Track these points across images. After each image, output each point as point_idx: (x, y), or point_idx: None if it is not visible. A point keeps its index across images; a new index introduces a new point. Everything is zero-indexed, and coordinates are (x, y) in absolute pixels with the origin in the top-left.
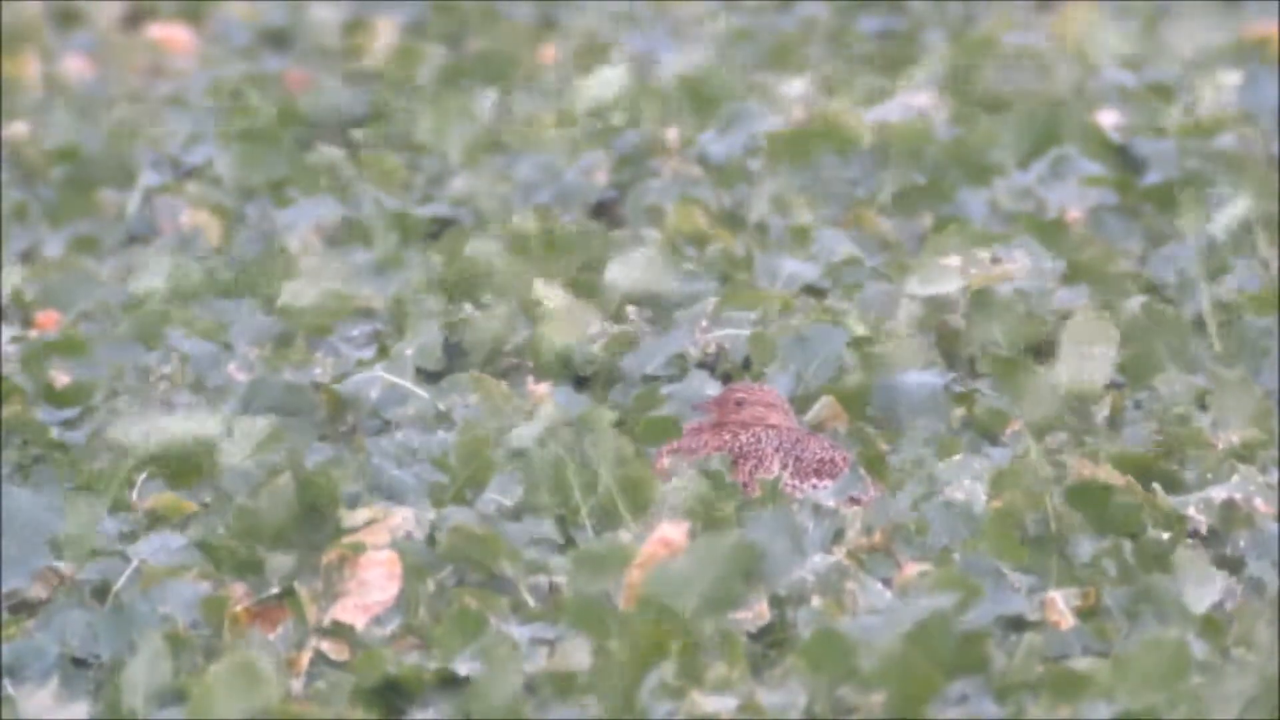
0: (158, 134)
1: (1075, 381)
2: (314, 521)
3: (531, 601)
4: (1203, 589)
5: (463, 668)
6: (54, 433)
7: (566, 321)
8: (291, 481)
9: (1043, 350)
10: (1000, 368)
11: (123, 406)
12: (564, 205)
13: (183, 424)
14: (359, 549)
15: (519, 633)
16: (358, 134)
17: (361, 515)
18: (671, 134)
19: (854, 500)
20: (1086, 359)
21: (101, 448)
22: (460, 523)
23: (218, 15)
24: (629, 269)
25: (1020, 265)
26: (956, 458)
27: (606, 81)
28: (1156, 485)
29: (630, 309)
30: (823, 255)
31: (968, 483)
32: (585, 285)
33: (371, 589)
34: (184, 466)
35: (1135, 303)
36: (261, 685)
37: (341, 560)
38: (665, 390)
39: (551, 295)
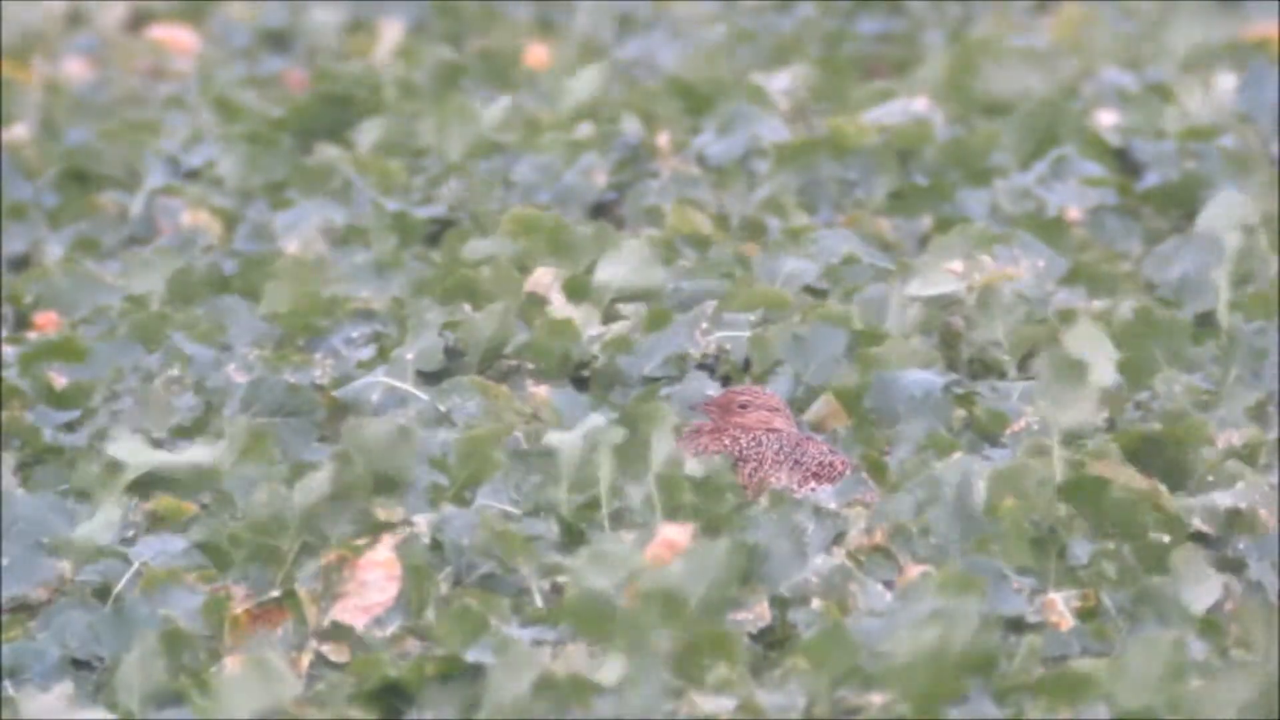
0: (158, 135)
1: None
2: (344, 513)
3: (538, 602)
4: (1200, 589)
5: (464, 668)
6: (54, 435)
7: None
8: (330, 470)
9: (1037, 351)
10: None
11: (123, 418)
12: (563, 206)
13: (181, 455)
14: (358, 550)
15: (521, 634)
16: (357, 135)
17: (390, 513)
18: (671, 136)
19: (858, 502)
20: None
21: (99, 460)
22: (485, 517)
23: (218, 16)
24: (618, 267)
25: (1020, 266)
26: (956, 458)
27: (587, 80)
28: (1161, 486)
29: (623, 307)
30: (822, 256)
31: (968, 484)
32: (578, 286)
33: (371, 590)
34: (182, 488)
35: (1135, 304)
36: (274, 685)
37: (341, 561)
38: (665, 391)
39: (548, 286)
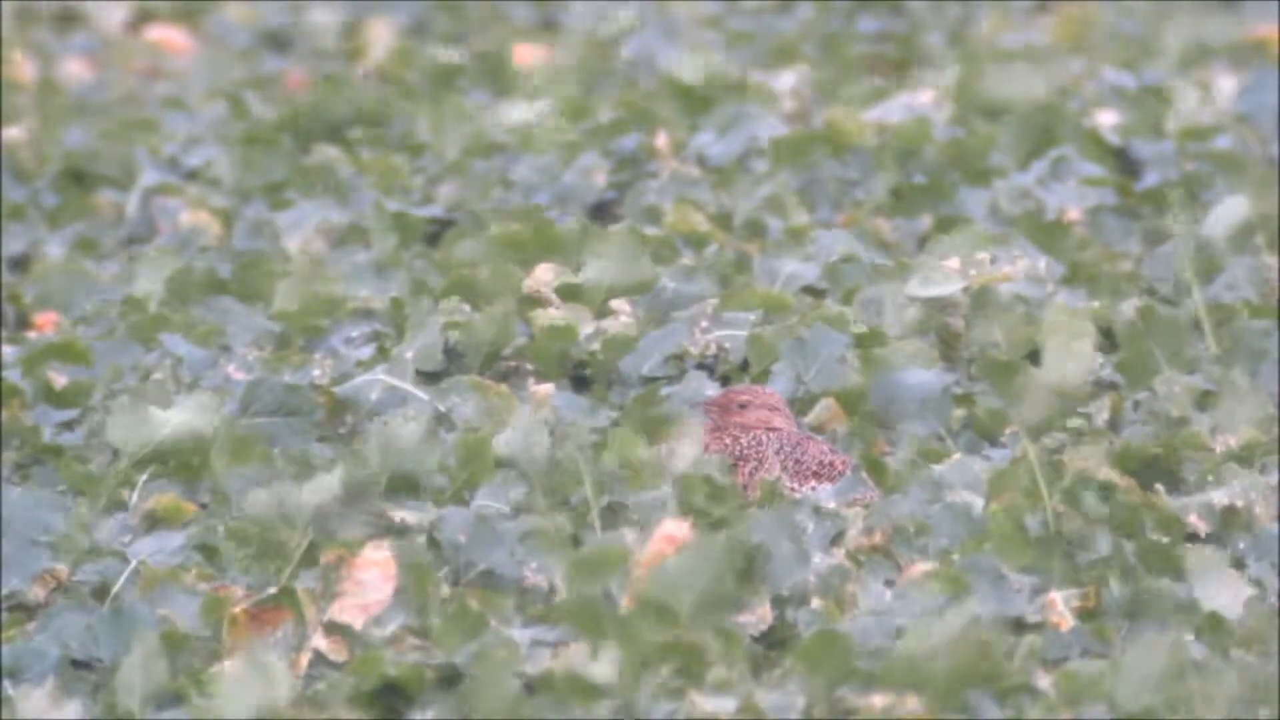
0: (157, 135)
1: (1059, 379)
2: (356, 514)
3: (538, 602)
4: (1218, 590)
5: (462, 668)
6: (53, 434)
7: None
8: (340, 471)
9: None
10: (994, 370)
11: (117, 406)
12: (562, 206)
13: (176, 418)
14: (355, 548)
15: (519, 634)
16: (357, 135)
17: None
18: (670, 136)
19: (857, 502)
20: (1067, 356)
21: (97, 449)
22: (483, 516)
23: (216, 17)
24: (606, 263)
25: (1019, 267)
26: (956, 459)
27: (586, 80)
28: (1159, 486)
29: (616, 303)
30: (822, 256)
31: (967, 484)
32: (570, 288)
33: (368, 589)
34: (181, 463)
35: (1134, 304)
36: (270, 685)
37: (339, 560)
38: (664, 391)
39: (545, 284)
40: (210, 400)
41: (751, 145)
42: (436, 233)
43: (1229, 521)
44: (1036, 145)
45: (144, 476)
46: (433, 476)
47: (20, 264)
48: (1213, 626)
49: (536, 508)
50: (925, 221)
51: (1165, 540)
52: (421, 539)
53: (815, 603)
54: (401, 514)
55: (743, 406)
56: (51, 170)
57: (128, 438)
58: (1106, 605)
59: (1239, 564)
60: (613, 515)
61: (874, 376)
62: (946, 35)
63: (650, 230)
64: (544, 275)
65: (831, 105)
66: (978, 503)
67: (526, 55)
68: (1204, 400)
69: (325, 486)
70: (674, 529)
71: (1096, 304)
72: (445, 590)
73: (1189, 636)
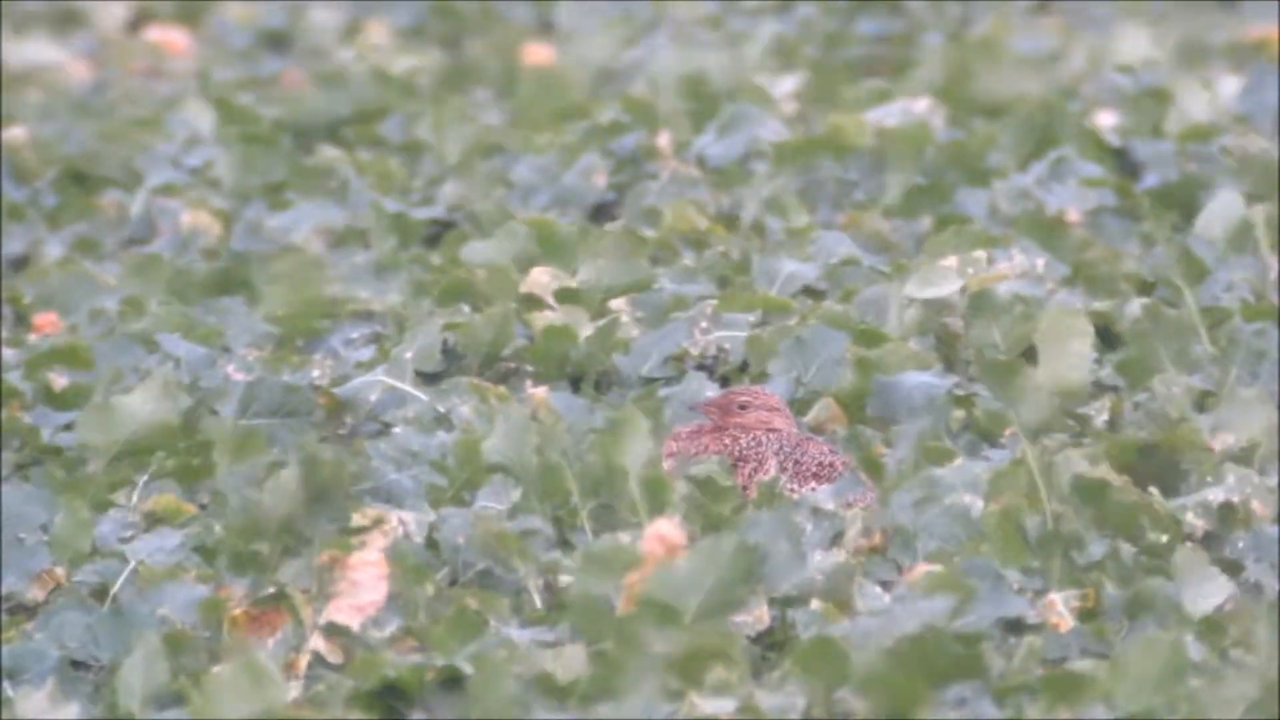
0: (157, 136)
1: (1056, 380)
2: (321, 514)
3: (536, 602)
4: (1203, 590)
5: (461, 669)
6: (52, 435)
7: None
8: (297, 472)
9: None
10: (993, 371)
11: (87, 409)
12: (562, 207)
13: (138, 408)
14: (349, 549)
15: (519, 634)
16: (356, 136)
17: (368, 515)
18: (671, 136)
19: (855, 503)
20: (1064, 357)
21: (81, 450)
22: (480, 517)
23: (216, 17)
24: (602, 263)
25: (1016, 262)
26: (955, 460)
27: (586, 81)
28: (1154, 489)
29: (617, 304)
30: (821, 256)
31: (967, 485)
32: (568, 292)
33: (363, 589)
34: (181, 464)
35: (1134, 304)
36: (265, 687)
37: (333, 561)
38: (663, 392)
39: (545, 285)
40: (169, 386)
41: (752, 146)
42: (437, 234)
43: (1226, 520)
44: (1036, 145)
45: (144, 477)
46: (417, 476)
47: (20, 264)
48: (1210, 627)
49: (529, 510)
50: (925, 222)
51: (1163, 540)
52: (416, 539)
53: (814, 604)
54: (376, 513)
55: (743, 407)
56: (52, 170)
57: (97, 436)
58: (1106, 605)
59: (1237, 565)
60: (603, 515)
61: (873, 377)
62: (946, 35)
63: (650, 231)
64: (540, 278)
65: (831, 106)
66: (977, 504)
67: (536, 55)
68: (1203, 400)
69: (287, 489)
70: (666, 529)
71: (1097, 305)
72: (442, 590)
73: (1188, 636)
